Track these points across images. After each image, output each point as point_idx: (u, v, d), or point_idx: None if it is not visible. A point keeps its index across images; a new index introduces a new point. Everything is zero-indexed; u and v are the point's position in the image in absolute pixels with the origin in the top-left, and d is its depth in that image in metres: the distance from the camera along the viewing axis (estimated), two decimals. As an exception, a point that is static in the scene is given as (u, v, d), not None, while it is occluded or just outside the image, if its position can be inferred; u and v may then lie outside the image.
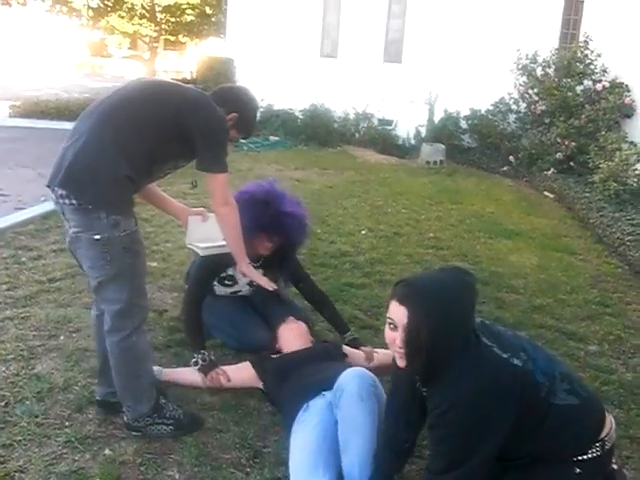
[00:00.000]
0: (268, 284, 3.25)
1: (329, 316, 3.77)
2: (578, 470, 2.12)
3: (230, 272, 3.69)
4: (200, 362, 3.28)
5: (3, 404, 3.02)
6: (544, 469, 2.16)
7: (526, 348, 2.16)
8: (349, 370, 2.69)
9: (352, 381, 2.59)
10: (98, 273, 2.67)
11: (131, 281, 2.72)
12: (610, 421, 2.22)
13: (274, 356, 3.36)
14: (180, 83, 2.87)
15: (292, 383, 2.97)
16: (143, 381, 2.85)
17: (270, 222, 3.45)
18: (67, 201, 2.58)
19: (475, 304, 2.17)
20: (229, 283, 3.79)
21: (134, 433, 2.87)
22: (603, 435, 2.15)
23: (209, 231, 3.30)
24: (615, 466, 2.48)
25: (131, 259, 2.69)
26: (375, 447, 2.46)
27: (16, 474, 2.56)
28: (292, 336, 3.41)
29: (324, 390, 2.78)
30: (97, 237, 2.59)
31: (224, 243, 3.27)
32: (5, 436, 2.78)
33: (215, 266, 3.57)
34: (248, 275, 3.25)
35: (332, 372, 2.77)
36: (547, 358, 2.23)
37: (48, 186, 2.67)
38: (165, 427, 2.89)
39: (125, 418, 2.90)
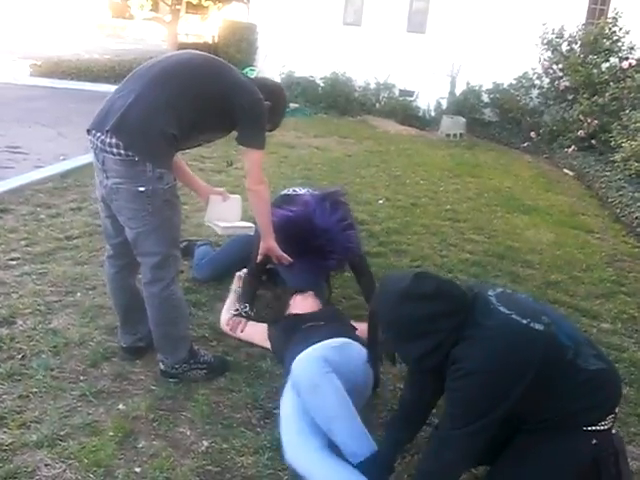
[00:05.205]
0: (287, 259, 3.44)
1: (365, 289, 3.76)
2: (595, 441, 2.08)
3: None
4: (241, 311, 3.53)
5: (20, 357, 3.07)
6: (560, 436, 2.11)
7: (548, 313, 2.17)
8: (296, 361, 2.60)
9: (301, 374, 2.52)
10: (138, 224, 2.74)
11: (169, 233, 2.82)
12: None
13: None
14: (229, 64, 2.98)
15: (294, 345, 2.98)
16: (181, 327, 3.00)
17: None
18: (114, 150, 2.62)
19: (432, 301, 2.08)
20: None
21: (171, 380, 2.98)
22: (617, 410, 2.14)
23: (228, 211, 3.54)
24: None
25: (170, 211, 2.79)
26: (357, 416, 2.46)
27: (32, 424, 2.61)
28: (304, 303, 3.43)
29: None
30: (142, 189, 2.65)
31: (241, 224, 3.60)
32: (22, 388, 2.84)
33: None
34: (273, 250, 3.41)
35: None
36: (571, 325, 2.28)
37: (89, 131, 2.72)
38: (200, 371, 3.03)
39: (162, 366, 3.00)
